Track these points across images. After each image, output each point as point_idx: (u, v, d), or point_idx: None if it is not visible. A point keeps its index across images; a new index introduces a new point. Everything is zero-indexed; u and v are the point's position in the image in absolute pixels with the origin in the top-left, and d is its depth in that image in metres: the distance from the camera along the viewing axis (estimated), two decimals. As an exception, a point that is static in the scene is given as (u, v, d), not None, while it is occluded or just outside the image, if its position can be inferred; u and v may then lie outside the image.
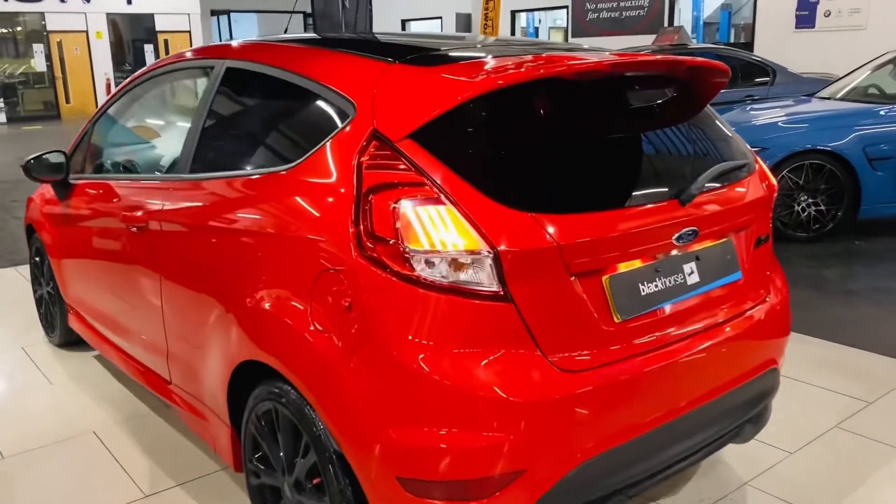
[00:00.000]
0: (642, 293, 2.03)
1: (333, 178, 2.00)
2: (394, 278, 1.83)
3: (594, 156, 2.15)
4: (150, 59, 22.20)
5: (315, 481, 2.07)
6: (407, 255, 1.82)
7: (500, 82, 1.91)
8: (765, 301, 2.40)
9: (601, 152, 2.18)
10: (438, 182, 1.84)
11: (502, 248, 1.80)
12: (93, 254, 3.36)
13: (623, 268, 2.00)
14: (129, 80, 3.39)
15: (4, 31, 20.27)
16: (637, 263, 2.03)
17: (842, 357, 3.88)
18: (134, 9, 21.60)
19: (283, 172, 2.17)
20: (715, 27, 20.38)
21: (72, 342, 4.13)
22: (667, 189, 2.12)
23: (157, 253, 2.71)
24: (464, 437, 1.79)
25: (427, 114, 1.91)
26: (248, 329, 2.19)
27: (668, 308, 2.08)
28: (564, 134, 2.11)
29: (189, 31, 22.45)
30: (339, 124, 2.07)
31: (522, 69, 1.98)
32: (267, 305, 2.11)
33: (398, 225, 1.83)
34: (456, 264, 1.81)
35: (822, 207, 6.10)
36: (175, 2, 21.96)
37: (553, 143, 2.08)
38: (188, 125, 2.76)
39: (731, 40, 18.29)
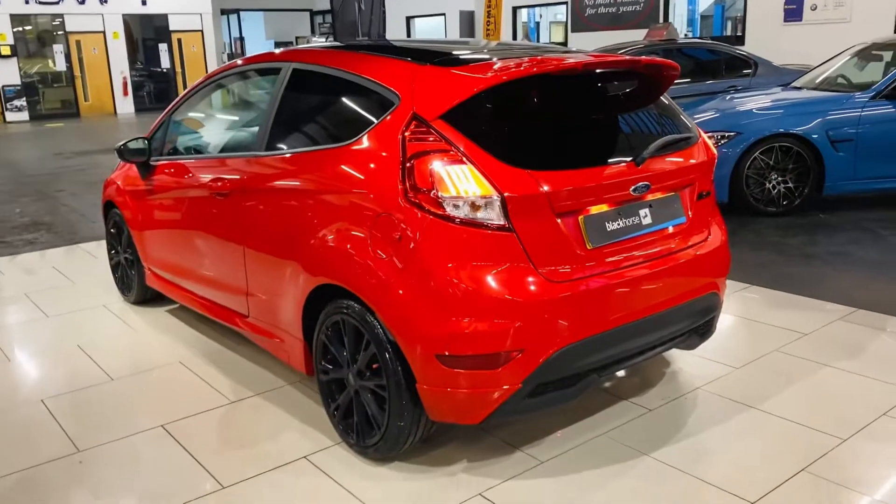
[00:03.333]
0: (608, 229, 2.81)
1: (385, 148, 2.78)
2: (430, 217, 2.61)
3: (574, 129, 2.94)
4: (164, 57, 22.99)
5: (374, 367, 2.86)
6: (440, 201, 2.60)
7: (504, 77, 2.69)
8: (706, 240, 3.18)
9: (579, 127, 2.96)
10: (461, 149, 2.63)
11: (507, 194, 2.58)
12: (176, 220, 4.15)
13: (594, 210, 2.79)
14: (202, 78, 4.18)
15: (26, 32, 21.03)
16: (604, 207, 2.81)
17: (789, 302, 4.67)
18: (148, 9, 22.40)
19: (347, 146, 2.95)
20: (711, 20, 21.05)
21: (146, 300, 4.94)
22: (626, 154, 2.90)
23: (241, 213, 3.49)
24: (482, 325, 2.58)
25: (452, 101, 2.69)
26: (322, 261, 2.97)
27: (629, 241, 2.87)
28: (552, 113, 2.90)
29: (201, 31, 23.24)
30: (387, 110, 2.85)
31: (521, 68, 2.76)
32: (337, 243, 2.90)
33: (433, 179, 2.61)
34: (474, 206, 2.59)
35: (791, 185, 6.87)
36: (188, 2, 22.74)
37: (544, 120, 2.87)
38: (261, 114, 3.55)
39: (728, 33, 18.95)
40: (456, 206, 2.60)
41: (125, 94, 22.03)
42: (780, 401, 3.41)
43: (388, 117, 2.83)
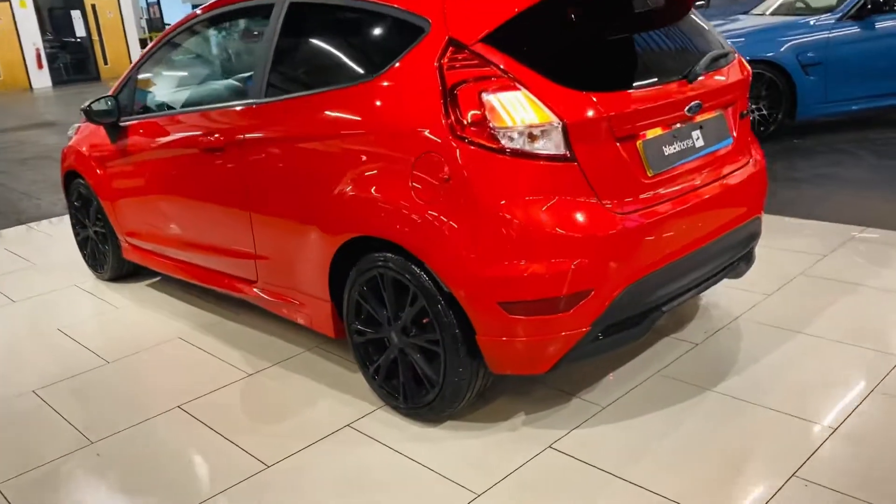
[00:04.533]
0: (665, 153, 2.62)
1: (419, 81, 2.50)
2: (483, 151, 2.36)
3: (620, 47, 2.71)
4: (78, 26, 21.68)
5: (424, 321, 2.62)
6: (494, 133, 2.35)
7: (550, -8, 2.44)
8: (748, 163, 3.02)
9: (624, 45, 2.73)
10: (511, 73, 2.37)
11: (568, 119, 2.35)
12: (160, 183, 3.78)
13: (650, 134, 2.58)
14: (172, 26, 3.77)
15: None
16: (659, 131, 2.61)
17: (796, 227, 4.60)
18: (57, -26, 21.00)
19: (369, 82, 2.65)
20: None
21: (121, 276, 4.55)
22: (676, 71, 2.69)
23: (243, 169, 3.15)
24: (551, 267, 2.36)
25: (493, 22, 2.43)
26: (352, 213, 2.69)
27: (684, 165, 2.68)
28: (595, 31, 2.66)
29: (116, -5, 21.96)
30: (416, 37, 2.56)
31: (565, -19, 2.51)
32: (371, 191, 2.62)
33: (484, 110, 2.36)
34: (532, 136, 2.35)
35: (765, 112, 6.82)
36: (99, -35, 21.42)
37: (589, 39, 2.63)
38: (254, 58, 3.20)
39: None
40: (511, 138, 2.35)
41: (39, 66, 20.70)
42: (823, 323, 3.32)
43: (418, 46, 2.55)
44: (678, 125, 2.67)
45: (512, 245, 2.37)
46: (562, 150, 2.37)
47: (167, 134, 3.66)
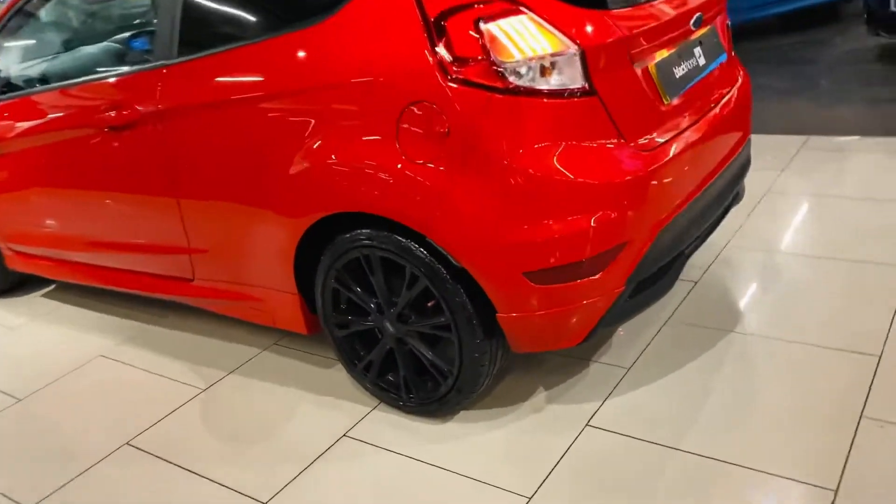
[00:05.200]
0: (676, 76, 2.28)
1: (391, 14, 2.04)
2: (490, 93, 1.94)
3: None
4: None
5: (430, 304, 2.21)
6: (498, 69, 1.93)
7: None
8: (738, 79, 2.75)
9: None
10: (508, -6, 1.95)
11: (585, 44, 1.96)
12: (47, 175, 3.11)
13: (659, 56, 2.23)
14: (34, -20, 3.06)
15: None
16: (665, 52, 2.27)
17: (742, 143, 4.46)
18: None
19: (325, 21, 2.15)
20: None
21: (6, 290, 3.85)
22: (675, -19, 2.35)
23: (166, 148, 2.58)
24: (582, 223, 1.99)
25: (479, -68, 1.98)
26: (322, 187, 2.21)
27: (693, 87, 2.36)
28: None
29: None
30: (379, -38, 2.08)
31: None
32: (346, 157, 2.14)
33: (484, 42, 1.93)
34: (544, 68, 1.95)
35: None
36: None
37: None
38: (154, 11, 2.60)
39: None
40: (519, 74, 1.94)
41: None
42: (811, 242, 3.17)
43: (383, -28, 2.07)
44: (681, 43, 2.34)
45: (536, 203, 1.98)
46: (580, 83, 1.98)
47: (47, 114, 2.99)
